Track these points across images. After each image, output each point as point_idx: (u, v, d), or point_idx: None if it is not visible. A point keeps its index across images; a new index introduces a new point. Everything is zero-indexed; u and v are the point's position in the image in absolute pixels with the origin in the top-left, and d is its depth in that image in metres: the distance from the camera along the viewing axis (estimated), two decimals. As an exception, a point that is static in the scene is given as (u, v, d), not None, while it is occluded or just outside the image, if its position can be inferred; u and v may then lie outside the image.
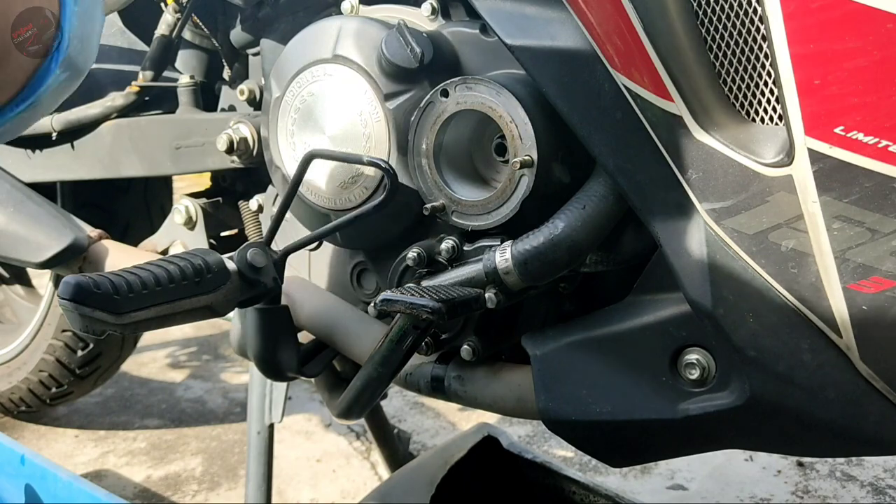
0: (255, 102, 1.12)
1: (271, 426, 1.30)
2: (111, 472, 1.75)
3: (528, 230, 0.78)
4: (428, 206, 0.83)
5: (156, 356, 2.33)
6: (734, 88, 0.66)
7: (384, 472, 1.59)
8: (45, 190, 1.34)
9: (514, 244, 0.78)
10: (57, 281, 1.59)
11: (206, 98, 1.21)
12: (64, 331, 1.65)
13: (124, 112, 1.23)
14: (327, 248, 1.04)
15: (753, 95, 0.66)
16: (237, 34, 1.13)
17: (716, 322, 0.68)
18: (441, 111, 0.81)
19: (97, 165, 1.27)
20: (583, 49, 0.70)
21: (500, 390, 0.88)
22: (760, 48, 0.64)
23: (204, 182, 1.30)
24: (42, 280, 1.87)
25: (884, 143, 0.57)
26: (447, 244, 0.84)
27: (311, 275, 1.07)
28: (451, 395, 0.91)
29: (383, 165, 0.84)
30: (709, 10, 0.65)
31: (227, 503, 1.62)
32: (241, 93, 1.12)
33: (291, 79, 0.93)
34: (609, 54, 0.68)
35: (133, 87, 1.22)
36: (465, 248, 0.84)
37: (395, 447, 1.54)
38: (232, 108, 1.20)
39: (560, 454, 1.75)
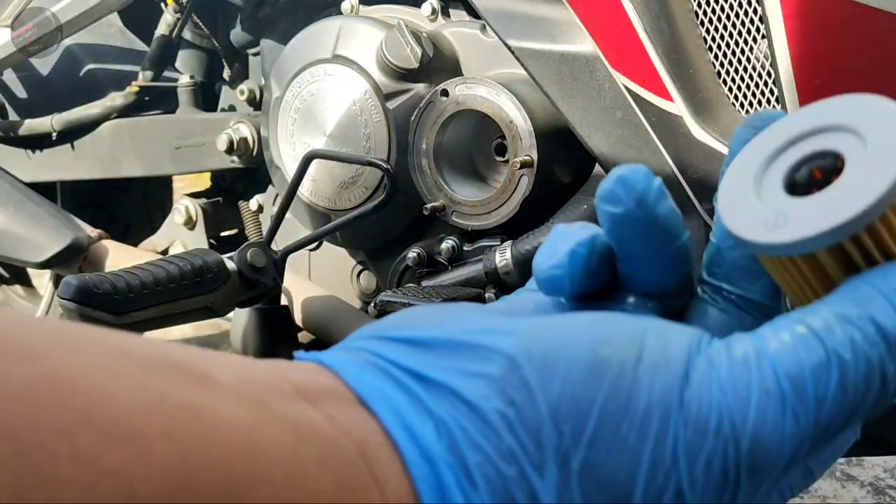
0: (255, 102, 1.12)
1: (271, 426, 1.30)
2: (111, 472, 1.75)
3: (528, 230, 0.78)
4: (428, 206, 0.83)
5: (156, 356, 2.33)
6: (734, 88, 0.66)
7: (384, 472, 1.58)
8: (45, 190, 1.34)
9: (514, 244, 0.78)
10: (57, 281, 1.59)
11: (206, 98, 1.21)
12: (64, 331, 1.65)
13: (124, 112, 1.23)
14: (327, 248, 1.04)
15: (753, 95, 0.66)
16: (237, 34, 1.13)
17: (716, 322, 0.68)
18: (441, 111, 0.81)
19: (97, 165, 1.27)
20: (583, 49, 0.70)
21: (500, 390, 0.88)
22: (760, 48, 0.64)
23: (204, 182, 1.30)
24: (42, 280, 1.87)
25: (884, 143, 0.57)
26: (447, 244, 0.84)
27: (311, 275, 1.07)
28: (451, 395, 0.91)
29: (383, 165, 0.84)
30: (709, 10, 0.65)
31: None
32: (241, 93, 1.12)
33: (291, 79, 0.93)
34: (609, 54, 0.68)
35: (133, 87, 1.22)
36: (465, 248, 0.84)
37: (395, 447, 1.54)
38: (232, 108, 1.20)
39: (560, 454, 1.75)
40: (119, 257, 1.18)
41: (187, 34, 1.21)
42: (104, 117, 1.23)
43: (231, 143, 1.06)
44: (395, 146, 0.87)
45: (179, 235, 1.24)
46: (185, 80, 1.19)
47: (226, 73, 1.21)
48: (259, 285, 0.83)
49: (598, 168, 0.77)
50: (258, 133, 1.06)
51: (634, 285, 0.30)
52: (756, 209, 0.26)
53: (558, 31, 0.72)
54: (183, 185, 1.69)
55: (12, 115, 1.39)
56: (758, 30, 0.64)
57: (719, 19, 0.65)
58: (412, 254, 0.85)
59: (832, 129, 0.27)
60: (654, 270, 0.30)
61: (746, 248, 0.26)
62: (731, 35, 0.65)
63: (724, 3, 0.65)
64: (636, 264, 0.30)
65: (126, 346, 0.21)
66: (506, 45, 0.74)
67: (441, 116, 0.81)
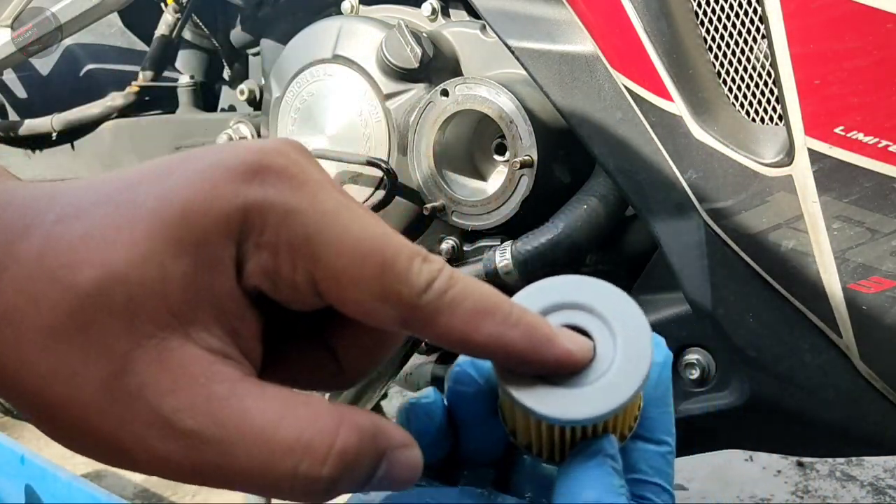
0: (255, 102, 1.12)
1: (271, 426, 1.30)
2: (111, 472, 1.75)
3: (528, 230, 0.78)
4: (428, 206, 0.83)
5: (156, 356, 2.33)
6: (734, 88, 0.66)
7: (384, 472, 1.58)
8: (45, 190, 1.34)
9: (515, 244, 0.78)
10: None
11: (206, 98, 1.21)
12: (64, 331, 1.65)
13: (124, 112, 1.23)
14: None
15: (753, 95, 0.66)
16: (237, 34, 1.13)
17: (716, 322, 0.68)
18: (441, 111, 0.81)
19: (97, 165, 1.27)
20: (583, 49, 0.70)
21: (500, 390, 0.88)
22: (760, 48, 0.64)
23: (204, 182, 1.30)
24: (42, 280, 1.87)
25: (884, 143, 0.57)
26: (447, 244, 0.84)
27: (311, 275, 1.07)
28: (451, 395, 0.91)
29: (383, 165, 0.84)
30: (709, 10, 0.65)
31: (227, 503, 1.62)
32: (241, 93, 1.12)
33: (291, 79, 0.93)
34: (609, 54, 0.68)
35: (133, 87, 1.22)
36: (465, 248, 0.84)
37: (395, 447, 1.54)
38: (232, 108, 1.20)
39: (560, 454, 1.75)
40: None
41: (187, 34, 1.21)
42: (104, 117, 1.23)
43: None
44: (395, 146, 0.87)
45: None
46: (185, 80, 1.19)
47: (226, 73, 1.21)
48: (259, 285, 0.83)
49: (598, 168, 0.77)
50: (258, 133, 1.06)
51: (471, 457, 0.36)
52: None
53: (558, 31, 0.72)
54: (183, 185, 1.69)
55: (12, 115, 1.39)
56: (758, 30, 0.64)
57: (719, 19, 0.65)
58: (412, 254, 0.85)
59: (577, 307, 0.31)
60: (488, 440, 0.35)
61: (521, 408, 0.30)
62: (731, 35, 0.65)
63: (724, 3, 0.65)
64: (475, 435, 0.35)
65: None
66: (506, 45, 0.74)
67: (441, 116, 0.81)
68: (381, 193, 0.87)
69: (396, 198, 0.87)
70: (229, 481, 0.27)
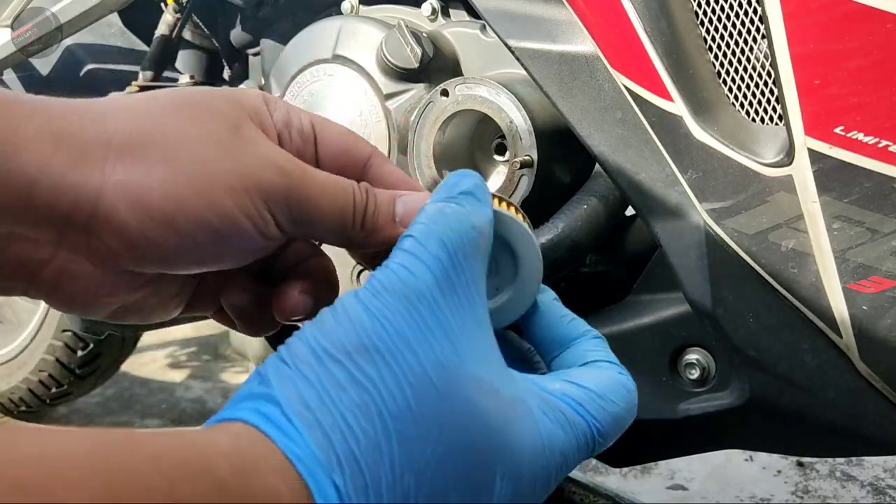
0: (256, 102, 1.12)
1: (271, 426, 1.30)
2: (111, 472, 1.75)
3: (528, 230, 0.78)
4: (428, 206, 0.83)
5: (156, 356, 2.33)
6: (734, 88, 0.66)
7: (384, 472, 1.58)
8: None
9: (514, 244, 0.77)
10: (57, 281, 1.58)
11: (206, 98, 1.21)
12: (64, 331, 1.65)
13: (124, 112, 1.23)
14: (327, 248, 1.04)
15: (753, 95, 0.66)
16: (237, 34, 1.13)
17: (716, 322, 0.68)
18: (441, 111, 0.81)
19: (97, 165, 1.27)
20: (583, 49, 0.70)
21: (500, 390, 0.88)
22: (760, 48, 0.64)
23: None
24: (42, 280, 1.87)
25: (884, 143, 0.57)
26: (447, 244, 0.84)
27: (311, 275, 1.07)
28: (451, 395, 0.91)
29: (383, 165, 0.84)
30: (709, 10, 0.65)
31: None
32: (241, 93, 1.12)
33: (291, 79, 0.93)
34: (609, 54, 0.68)
35: (133, 87, 1.22)
36: (465, 248, 0.83)
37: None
38: (232, 108, 1.20)
39: (560, 454, 1.75)
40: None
41: (187, 34, 1.21)
42: (104, 117, 1.23)
43: (231, 143, 1.05)
44: (395, 146, 0.87)
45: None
46: (185, 80, 1.19)
47: (226, 73, 1.21)
48: (259, 285, 0.83)
49: (598, 168, 0.77)
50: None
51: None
52: None
53: (558, 31, 0.72)
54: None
55: (12, 115, 1.39)
56: (758, 30, 0.64)
57: (719, 19, 0.65)
58: (412, 254, 0.85)
59: None
60: None
61: None
62: (731, 35, 0.65)
63: (724, 3, 0.65)
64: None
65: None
66: (506, 45, 0.74)
67: (441, 116, 0.81)
68: (381, 193, 0.87)
69: (396, 198, 0.87)
70: (315, 213, 0.40)
